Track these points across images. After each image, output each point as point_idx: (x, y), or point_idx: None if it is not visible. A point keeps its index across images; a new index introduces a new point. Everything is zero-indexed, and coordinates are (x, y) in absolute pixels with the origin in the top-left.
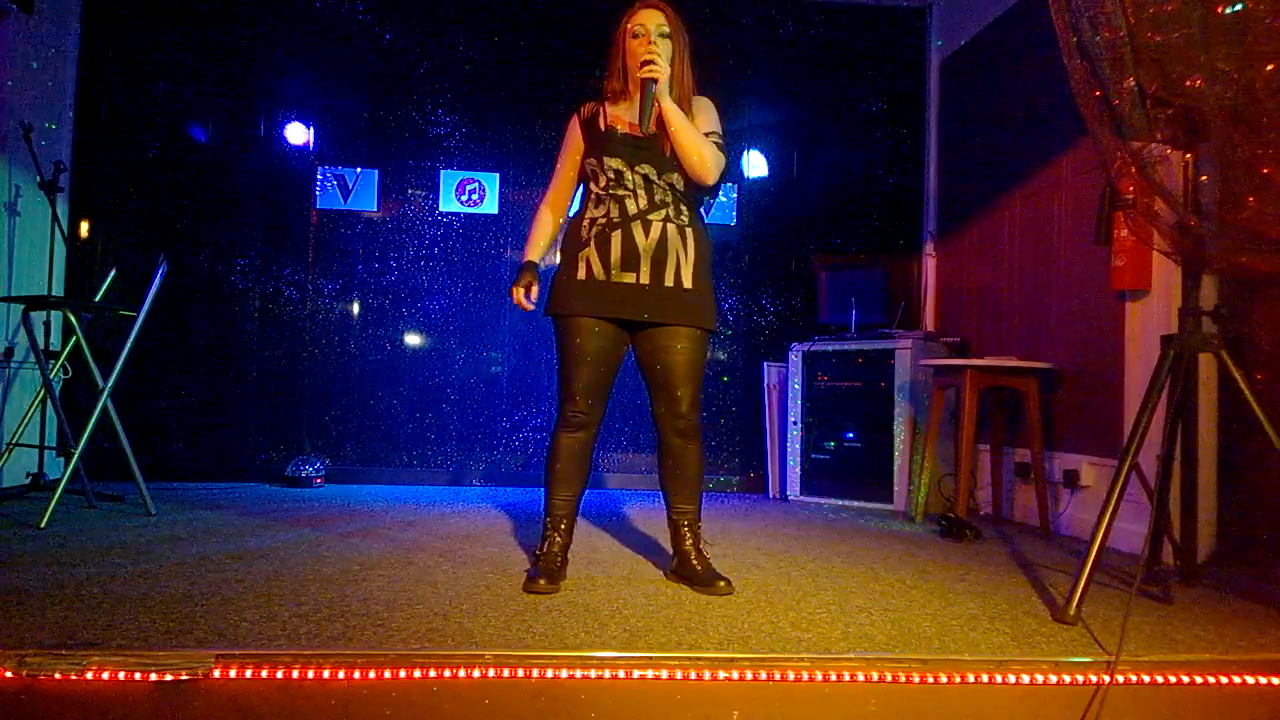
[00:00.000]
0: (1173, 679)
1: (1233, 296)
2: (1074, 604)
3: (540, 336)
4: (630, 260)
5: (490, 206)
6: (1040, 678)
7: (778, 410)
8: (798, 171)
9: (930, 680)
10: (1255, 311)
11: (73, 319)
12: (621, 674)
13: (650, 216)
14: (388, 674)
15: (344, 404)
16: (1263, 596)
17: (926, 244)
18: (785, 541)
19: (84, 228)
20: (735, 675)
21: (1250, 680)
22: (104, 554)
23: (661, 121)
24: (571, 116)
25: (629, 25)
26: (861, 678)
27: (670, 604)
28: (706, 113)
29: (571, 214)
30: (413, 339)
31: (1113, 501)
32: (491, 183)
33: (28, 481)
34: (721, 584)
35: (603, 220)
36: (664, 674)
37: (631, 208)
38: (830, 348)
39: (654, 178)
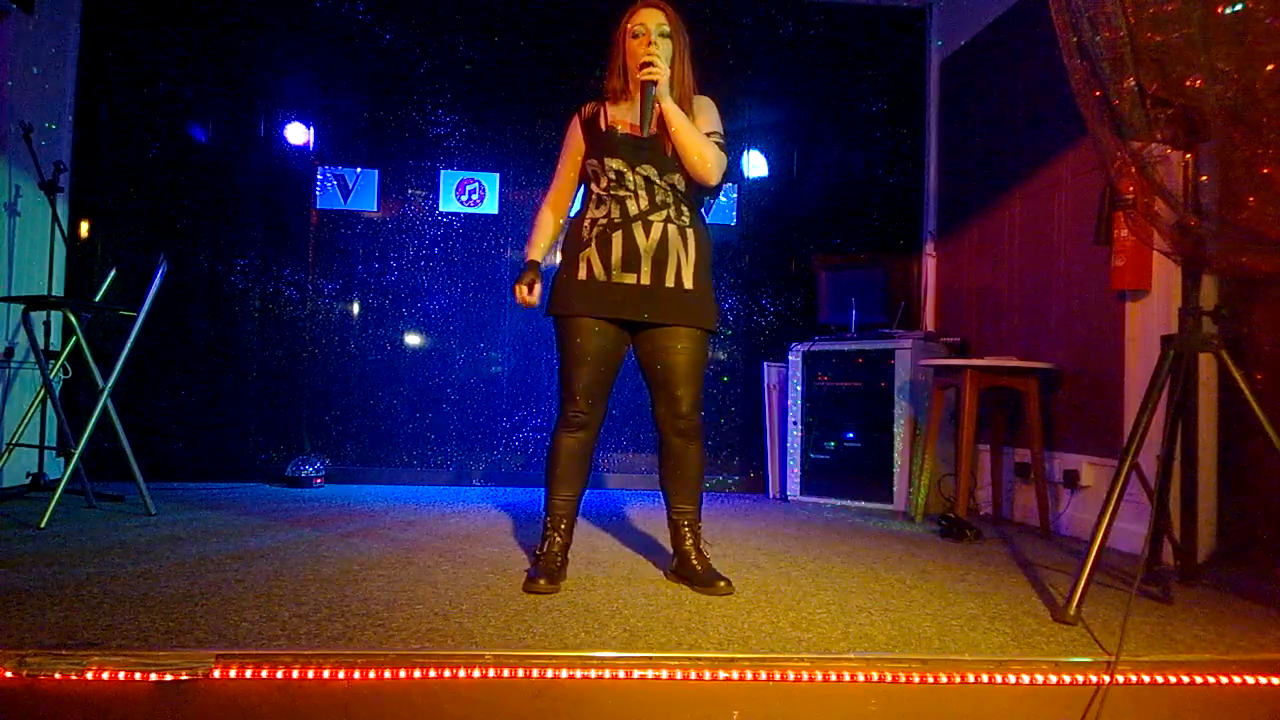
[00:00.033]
0: (1173, 679)
1: (1233, 296)
2: (1074, 604)
3: (540, 336)
4: (631, 261)
5: (490, 206)
6: (1040, 678)
7: (778, 410)
8: (798, 171)
9: (930, 680)
10: (1255, 311)
11: (73, 319)
12: (621, 674)
13: (651, 217)
14: (388, 674)
15: (344, 404)
16: (1263, 596)
17: (926, 244)
18: (785, 541)
19: (84, 228)
20: (735, 675)
21: (1250, 680)
22: (104, 554)
23: (662, 122)
24: (572, 117)
25: (629, 25)
26: (861, 678)
27: (670, 604)
28: (708, 112)
29: (573, 214)
30: (413, 339)
31: (1113, 501)
32: (491, 183)
33: (28, 481)
34: (721, 584)
35: (604, 221)
36: (664, 674)
37: (632, 208)
38: (830, 348)
39: (655, 178)
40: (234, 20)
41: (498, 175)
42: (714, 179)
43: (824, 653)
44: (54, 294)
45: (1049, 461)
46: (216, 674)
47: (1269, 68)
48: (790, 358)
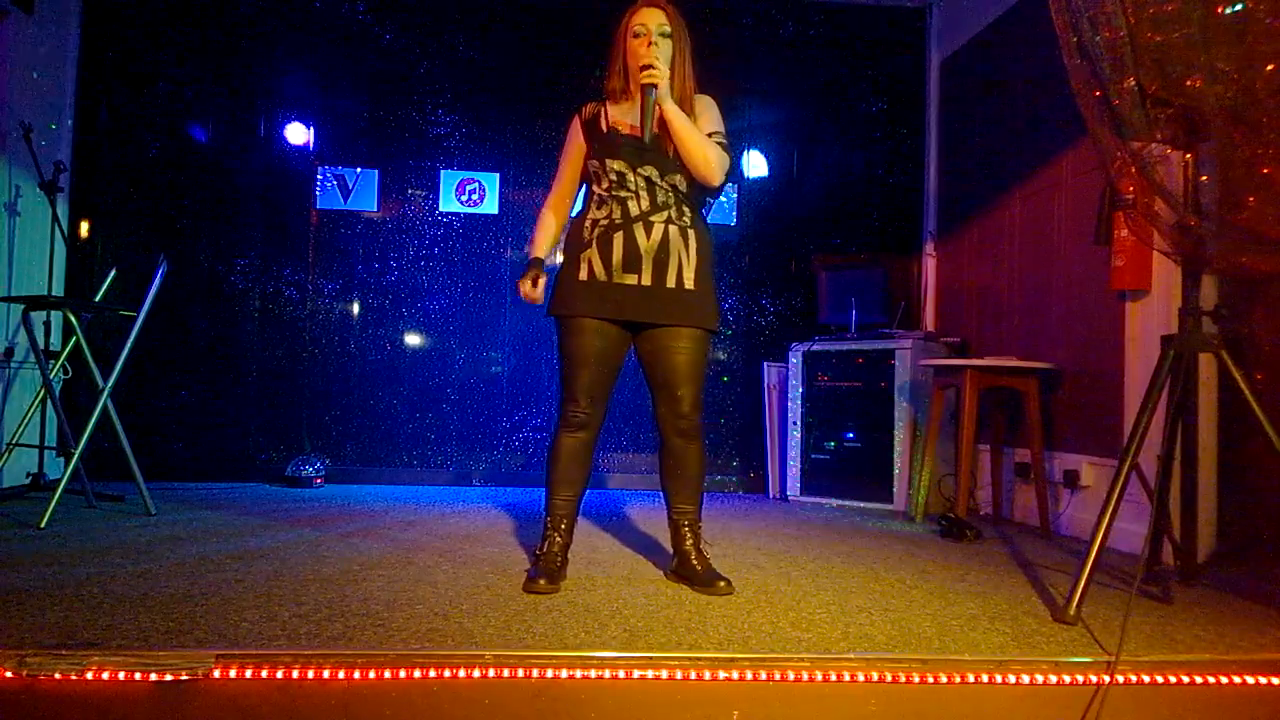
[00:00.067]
0: (1173, 679)
1: (1233, 296)
2: (1074, 604)
3: (540, 336)
4: (632, 262)
5: (490, 206)
6: (1040, 678)
7: (778, 410)
8: (798, 171)
9: (930, 680)
10: (1255, 311)
11: (73, 319)
12: (621, 674)
13: (652, 218)
14: (388, 674)
15: (344, 404)
16: (1263, 596)
17: (926, 244)
18: (785, 541)
19: (84, 228)
20: (735, 675)
21: (1250, 680)
22: (104, 554)
23: (664, 122)
24: (572, 117)
25: (630, 24)
26: (861, 678)
27: (670, 604)
28: (709, 112)
29: (574, 214)
30: (413, 339)
31: (1113, 501)
32: (491, 183)
33: (28, 481)
34: (721, 584)
35: (605, 221)
36: (664, 674)
37: (634, 209)
38: (830, 348)
39: (657, 179)
40: (234, 20)
41: (498, 175)
42: (717, 180)
43: (824, 653)
44: (54, 294)
45: (1049, 461)
46: (216, 674)
47: (1269, 68)
48: (790, 358)
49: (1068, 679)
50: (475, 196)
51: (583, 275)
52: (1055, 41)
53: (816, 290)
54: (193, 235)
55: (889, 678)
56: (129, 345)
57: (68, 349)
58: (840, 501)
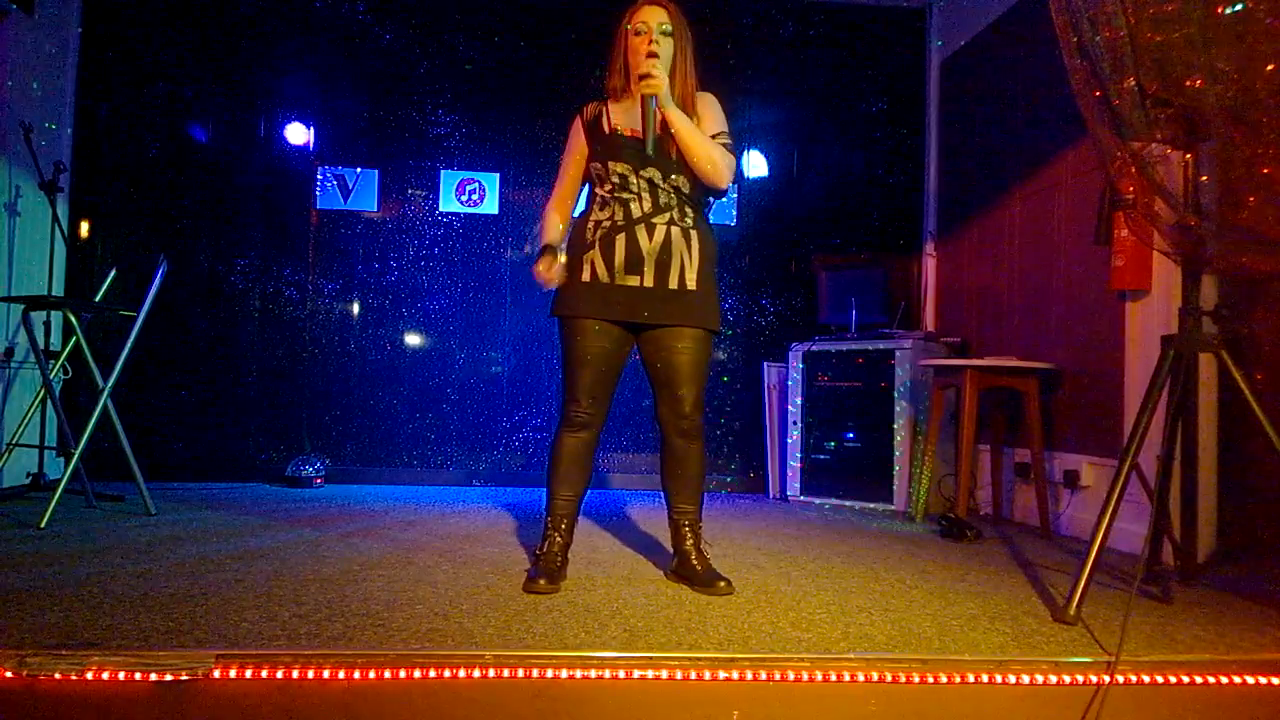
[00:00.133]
0: (1173, 679)
1: (1233, 296)
2: (1074, 604)
3: (540, 336)
4: (634, 263)
5: (490, 206)
6: (1040, 678)
7: (778, 410)
8: (798, 171)
9: (930, 680)
10: (1255, 311)
11: (73, 319)
12: (621, 674)
13: (655, 219)
14: (388, 674)
15: (344, 404)
16: (1263, 596)
17: (926, 244)
18: (785, 541)
19: (84, 228)
20: (735, 675)
21: (1250, 680)
22: (104, 554)
23: (666, 124)
24: (574, 118)
25: (631, 22)
26: (861, 678)
27: (670, 604)
28: (712, 112)
29: (576, 215)
30: (413, 339)
31: (1113, 501)
32: (491, 183)
33: (28, 481)
34: (721, 584)
35: (607, 223)
36: (664, 674)
37: (636, 211)
38: (830, 348)
39: (659, 181)
40: (234, 20)
41: (498, 175)
42: (725, 183)
43: (824, 653)
44: (54, 294)
45: (1049, 461)
46: (216, 674)
47: (1269, 68)
48: (790, 358)
49: (1068, 679)
50: (475, 196)
51: (585, 276)
52: (1055, 41)
53: (816, 290)
54: (193, 235)
55: (889, 678)
56: (129, 345)
57: (68, 349)
58: (840, 501)
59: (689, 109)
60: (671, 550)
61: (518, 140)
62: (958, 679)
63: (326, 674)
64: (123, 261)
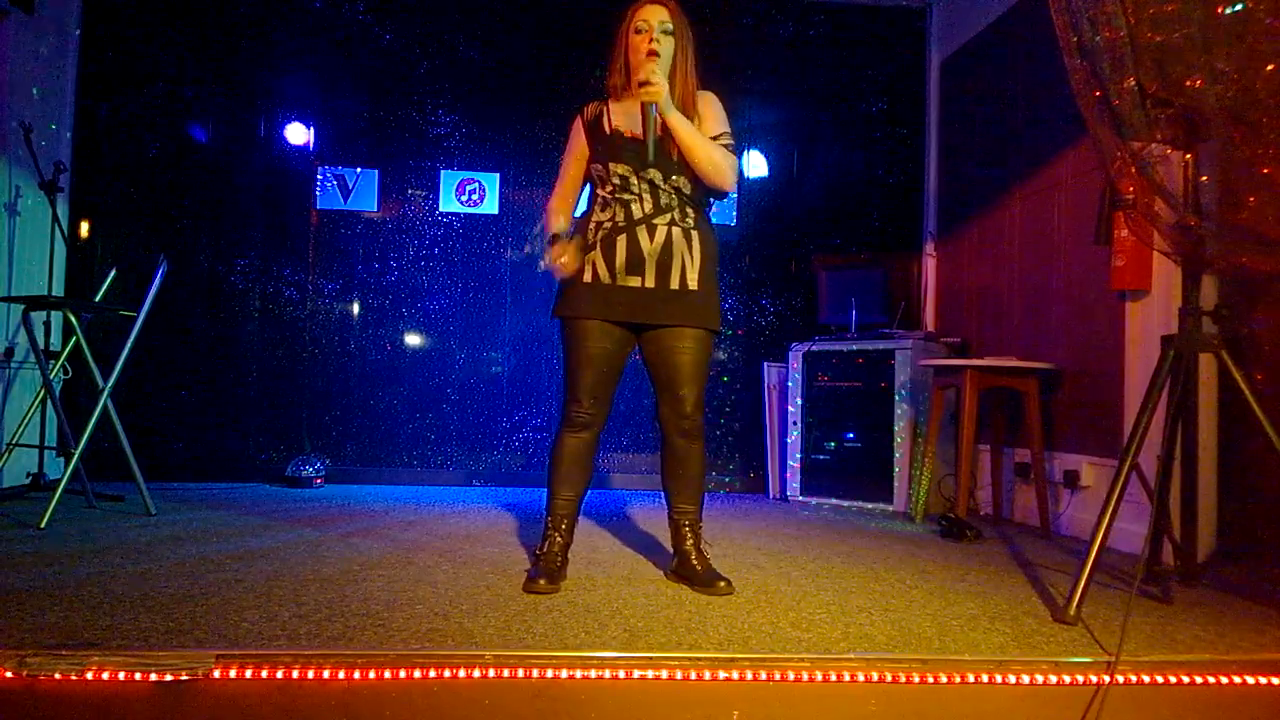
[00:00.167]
0: (1173, 679)
1: (1233, 296)
2: (1074, 604)
3: (540, 336)
4: (635, 264)
5: (490, 206)
6: (1040, 678)
7: (778, 410)
8: (798, 171)
9: (930, 680)
10: (1255, 311)
11: (73, 319)
12: (621, 674)
13: (655, 220)
14: (388, 674)
15: (344, 404)
16: (1263, 596)
17: (926, 244)
18: (785, 541)
19: (84, 228)
20: (735, 675)
21: (1250, 680)
22: (104, 554)
23: (666, 125)
24: (575, 118)
25: (632, 20)
26: (861, 678)
27: (670, 604)
28: (714, 112)
29: (578, 214)
30: (413, 339)
31: (1113, 501)
32: (491, 183)
33: (28, 481)
34: (721, 584)
35: (608, 224)
36: (664, 674)
37: (637, 212)
38: (830, 348)
39: (660, 182)
40: (234, 20)
41: (498, 175)
42: (729, 186)
43: (824, 653)
44: (54, 294)
45: (1049, 461)
46: (216, 674)
47: (1269, 68)
48: (790, 358)
49: (1068, 679)
50: (475, 196)
51: (587, 277)
52: (1055, 41)
53: (816, 290)
54: (193, 235)
55: (889, 678)
56: (129, 345)
57: (68, 349)
58: (840, 501)
59: (690, 108)
60: (671, 550)
61: (518, 140)
62: (958, 679)
63: (326, 674)
64: (123, 261)
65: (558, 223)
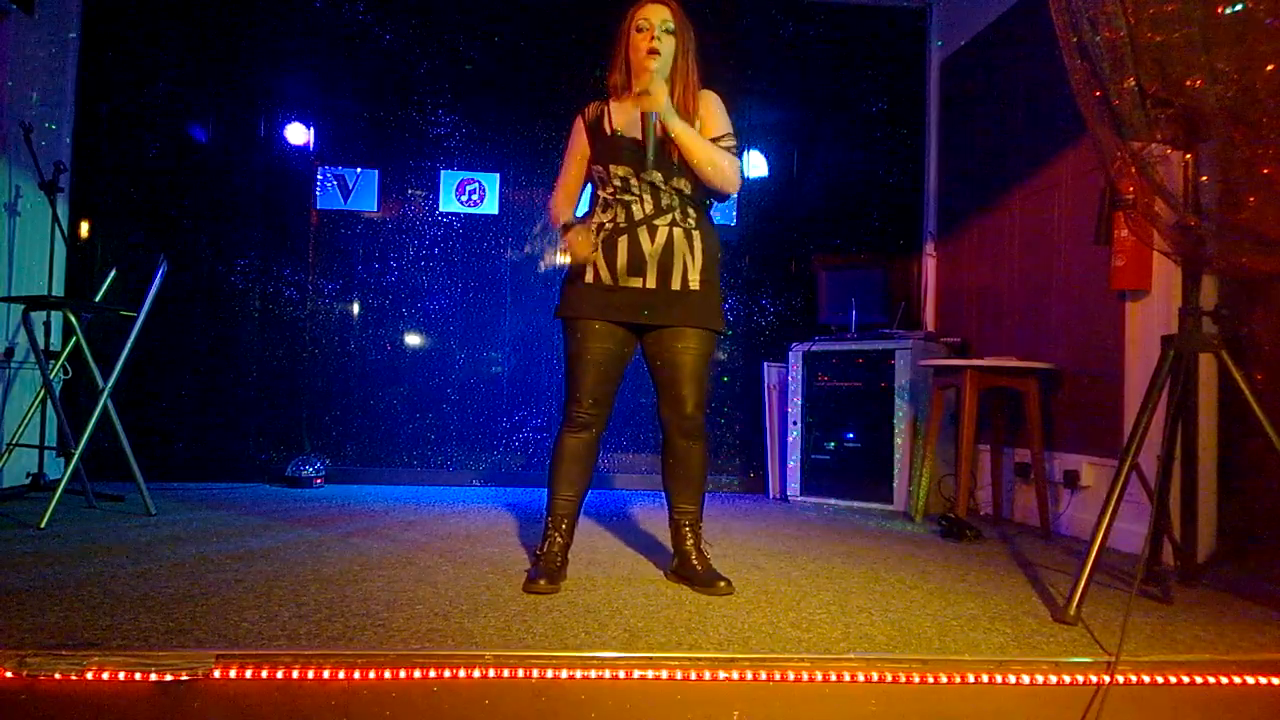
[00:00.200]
0: (1173, 679)
1: (1233, 296)
2: (1074, 604)
3: (540, 336)
4: (636, 265)
5: (490, 206)
6: (1040, 678)
7: (778, 410)
8: (798, 171)
9: (930, 680)
10: (1255, 311)
11: (73, 319)
12: (621, 674)
13: (656, 221)
14: (388, 674)
15: (344, 404)
16: (1263, 596)
17: (926, 244)
18: (785, 541)
19: (84, 228)
20: (735, 675)
21: (1250, 680)
22: (104, 554)
23: (667, 130)
24: (575, 118)
25: (633, 19)
26: (861, 678)
27: (670, 604)
28: (715, 113)
29: (579, 214)
30: (413, 339)
31: (1113, 501)
32: (491, 183)
33: (28, 481)
34: (722, 584)
35: (610, 225)
36: (664, 674)
37: (638, 213)
38: (830, 348)
39: (661, 184)
40: (234, 20)
41: (498, 175)
42: (733, 188)
43: (824, 653)
44: (54, 294)
45: (1049, 461)
46: (216, 674)
47: (1269, 68)
48: (790, 358)
49: (1068, 679)
50: (475, 197)
51: (588, 278)
52: (1055, 41)
53: (816, 290)
54: (193, 235)
55: (889, 678)
56: (129, 345)
57: (68, 349)
58: (840, 501)
59: (691, 107)
60: (671, 550)
61: (518, 140)
62: (958, 679)
63: (326, 674)
64: (123, 261)
65: (565, 214)
